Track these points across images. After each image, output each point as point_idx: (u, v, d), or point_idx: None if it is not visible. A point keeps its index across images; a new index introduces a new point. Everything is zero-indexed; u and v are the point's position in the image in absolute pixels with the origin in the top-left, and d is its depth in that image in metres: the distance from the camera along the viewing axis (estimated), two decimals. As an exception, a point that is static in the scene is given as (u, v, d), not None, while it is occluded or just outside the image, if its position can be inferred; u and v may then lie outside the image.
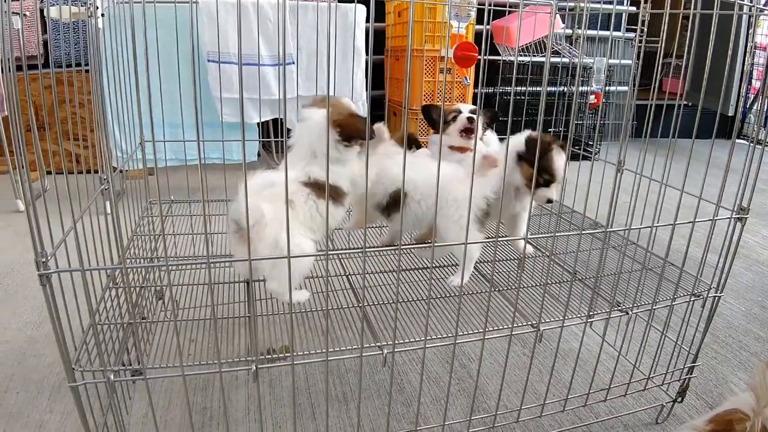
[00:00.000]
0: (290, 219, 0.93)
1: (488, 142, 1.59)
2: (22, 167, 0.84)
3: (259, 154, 3.26)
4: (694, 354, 1.40)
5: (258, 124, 3.07)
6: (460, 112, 1.49)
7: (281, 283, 1.10)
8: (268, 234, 1.07)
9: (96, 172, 1.32)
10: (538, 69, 4.14)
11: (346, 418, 1.41)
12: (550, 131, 3.88)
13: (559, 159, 1.30)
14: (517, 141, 1.33)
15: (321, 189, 1.14)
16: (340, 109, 1.20)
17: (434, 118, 1.51)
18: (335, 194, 1.19)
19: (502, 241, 1.09)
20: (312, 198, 1.16)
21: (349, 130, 1.16)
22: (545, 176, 1.31)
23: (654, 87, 1.31)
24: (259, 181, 1.11)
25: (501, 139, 1.59)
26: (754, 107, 5.52)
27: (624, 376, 1.47)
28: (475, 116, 1.47)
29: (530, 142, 1.29)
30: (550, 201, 1.34)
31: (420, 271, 1.47)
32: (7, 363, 1.58)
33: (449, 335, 1.11)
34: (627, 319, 1.24)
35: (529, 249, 1.46)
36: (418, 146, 1.45)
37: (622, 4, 3.94)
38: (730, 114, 4.54)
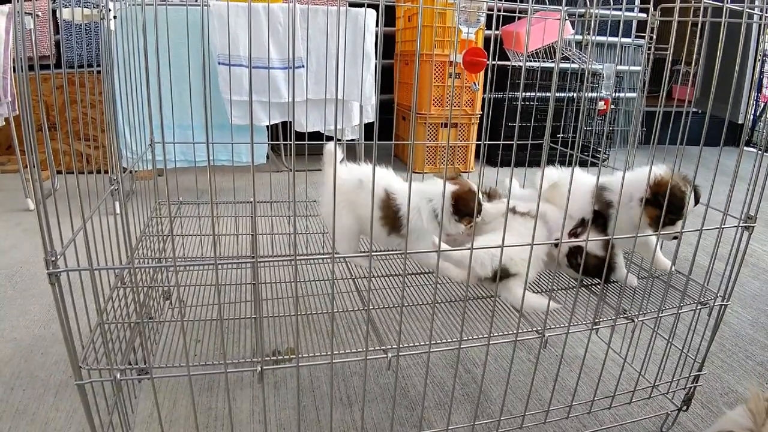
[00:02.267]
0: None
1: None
2: (33, 166, 0.85)
3: (267, 157, 3.27)
4: (700, 362, 1.39)
5: (267, 126, 3.09)
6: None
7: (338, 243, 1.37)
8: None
9: (106, 172, 1.34)
10: (548, 74, 4.14)
11: (350, 421, 1.41)
12: (558, 137, 3.87)
13: (689, 200, 1.23)
14: (638, 182, 1.23)
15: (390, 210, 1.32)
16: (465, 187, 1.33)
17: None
18: (396, 224, 1.32)
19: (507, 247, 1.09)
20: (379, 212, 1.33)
21: (460, 206, 1.30)
22: (672, 216, 1.22)
23: (662, 94, 1.30)
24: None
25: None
26: (764, 115, 5.49)
27: (629, 383, 1.47)
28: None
29: (660, 187, 1.20)
30: (676, 237, 1.25)
31: (426, 275, 1.47)
32: (14, 360, 1.59)
33: (454, 340, 1.12)
34: (633, 327, 1.23)
35: (633, 280, 1.40)
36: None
37: (631, 11, 3.94)
38: (740, 122, 4.52)
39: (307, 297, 1.49)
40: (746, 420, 0.82)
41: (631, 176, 1.25)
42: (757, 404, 0.82)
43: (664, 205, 1.16)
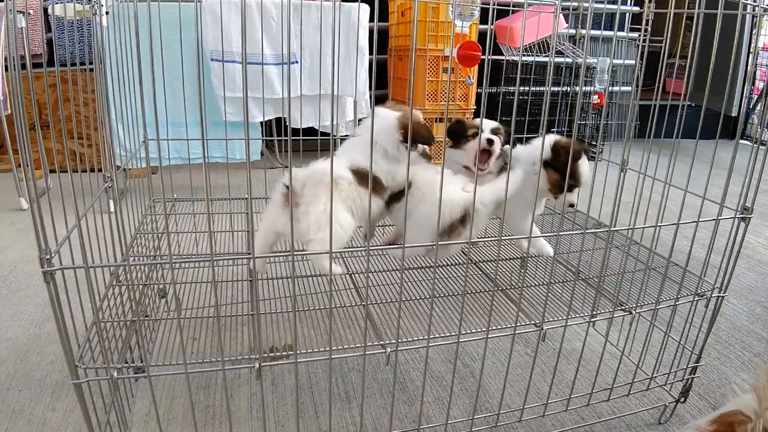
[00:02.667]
0: (335, 197, 1.01)
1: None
2: (26, 165, 0.84)
3: (262, 153, 3.26)
4: (697, 354, 1.39)
5: (261, 123, 3.08)
6: (481, 130, 1.31)
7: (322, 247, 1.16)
8: (316, 208, 1.15)
9: (99, 170, 1.33)
10: (542, 69, 4.14)
11: (349, 417, 1.41)
12: (553, 131, 3.87)
13: (585, 165, 1.30)
14: (539, 149, 1.28)
15: (362, 177, 1.21)
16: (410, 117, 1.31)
17: (456, 131, 1.43)
18: (375, 185, 1.25)
19: (505, 240, 1.09)
20: (354, 184, 1.22)
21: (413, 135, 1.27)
22: (570, 182, 1.25)
23: (657, 87, 1.30)
24: (320, 167, 1.19)
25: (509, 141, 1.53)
26: (758, 108, 5.51)
27: (627, 376, 1.47)
28: (495, 137, 1.37)
29: (558, 149, 1.27)
30: (572, 206, 1.32)
31: (423, 270, 1.47)
32: (9, 360, 1.58)
33: (452, 334, 1.11)
34: (630, 319, 1.23)
35: (548, 249, 1.41)
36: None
37: (625, 4, 3.93)
38: (733, 114, 4.53)
39: (305, 294, 1.49)
40: (754, 402, 0.82)
41: (537, 143, 1.33)
42: (765, 387, 0.82)
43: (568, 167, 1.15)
